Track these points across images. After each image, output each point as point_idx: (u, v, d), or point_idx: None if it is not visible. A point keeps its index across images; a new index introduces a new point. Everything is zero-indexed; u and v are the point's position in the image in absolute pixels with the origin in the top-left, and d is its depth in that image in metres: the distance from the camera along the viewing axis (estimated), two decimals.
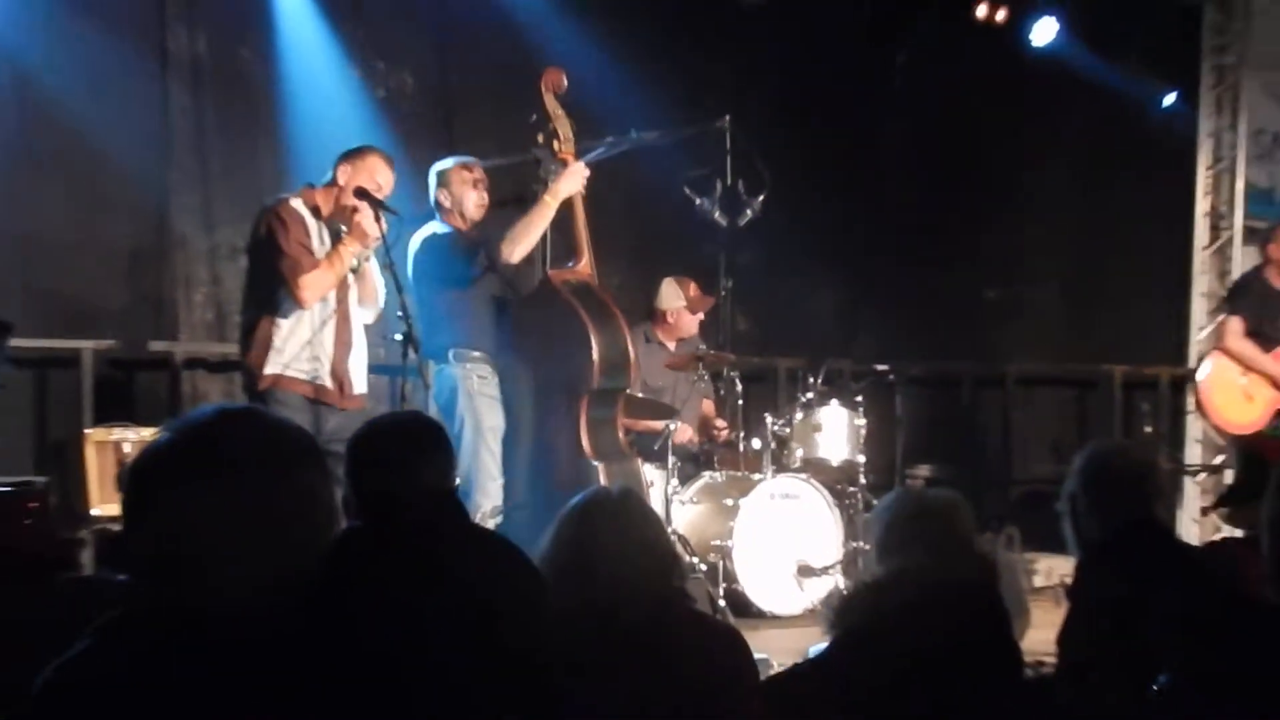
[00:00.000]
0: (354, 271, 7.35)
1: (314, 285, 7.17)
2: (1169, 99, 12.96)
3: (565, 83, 8.24)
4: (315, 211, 7.34)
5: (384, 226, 7.20)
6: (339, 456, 6.83)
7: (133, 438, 8.36)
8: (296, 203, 7.31)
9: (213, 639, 2.15)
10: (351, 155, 7.42)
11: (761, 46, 11.33)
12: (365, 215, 7.20)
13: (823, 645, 4.09)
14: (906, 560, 4.11)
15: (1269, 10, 13.17)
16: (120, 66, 9.33)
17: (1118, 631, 4.18)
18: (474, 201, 8.16)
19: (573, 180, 8.05)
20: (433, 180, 8.21)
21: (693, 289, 9.95)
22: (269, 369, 7.16)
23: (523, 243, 7.86)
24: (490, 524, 7.54)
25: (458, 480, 6.96)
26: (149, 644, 2.16)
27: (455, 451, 6.28)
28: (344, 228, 7.30)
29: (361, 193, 7.22)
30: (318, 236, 7.30)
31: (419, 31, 10.43)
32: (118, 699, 2.11)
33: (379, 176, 7.38)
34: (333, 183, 7.38)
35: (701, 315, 10.01)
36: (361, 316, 7.55)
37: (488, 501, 7.71)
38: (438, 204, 8.16)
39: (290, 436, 2.34)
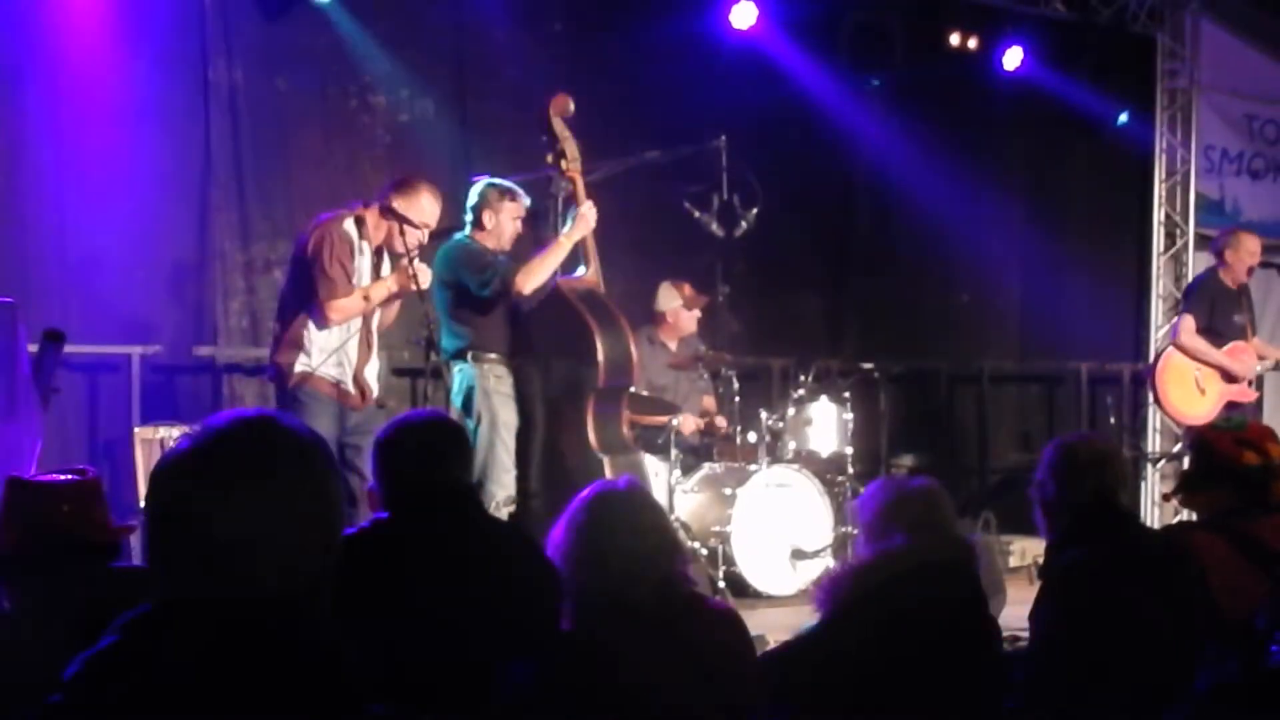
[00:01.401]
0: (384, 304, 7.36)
1: (344, 311, 7.15)
2: (1123, 117, 12.99)
3: (571, 107, 8.21)
4: (361, 228, 7.30)
5: (424, 282, 7.18)
6: (359, 449, 6.87)
7: (177, 435, 8.34)
8: (349, 224, 7.24)
9: (238, 632, 2.13)
10: (404, 188, 7.33)
11: (752, 72, 11.31)
12: (418, 268, 7.18)
13: (813, 623, 4.08)
14: (889, 543, 4.10)
15: (1216, 38, 13.25)
16: (166, 95, 9.33)
17: (1084, 607, 4.17)
18: (511, 232, 8.11)
19: (585, 225, 8.03)
20: (481, 196, 8.13)
21: (687, 289, 9.95)
22: (299, 368, 7.14)
23: (536, 277, 7.83)
24: (504, 513, 7.53)
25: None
26: (175, 637, 2.13)
27: (473, 447, 6.30)
28: (388, 251, 7.27)
29: (401, 218, 7.17)
30: (360, 259, 7.27)
31: (440, 61, 10.42)
32: (143, 692, 2.08)
33: (427, 215, 7.34)
34: (385, 209, 7.30)
35: (698, 312, 10.01)
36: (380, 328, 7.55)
37: (501, 492, 7.69)
38: (477, 219, 8.10)
39: (305, 439, 2.32)
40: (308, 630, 2.19)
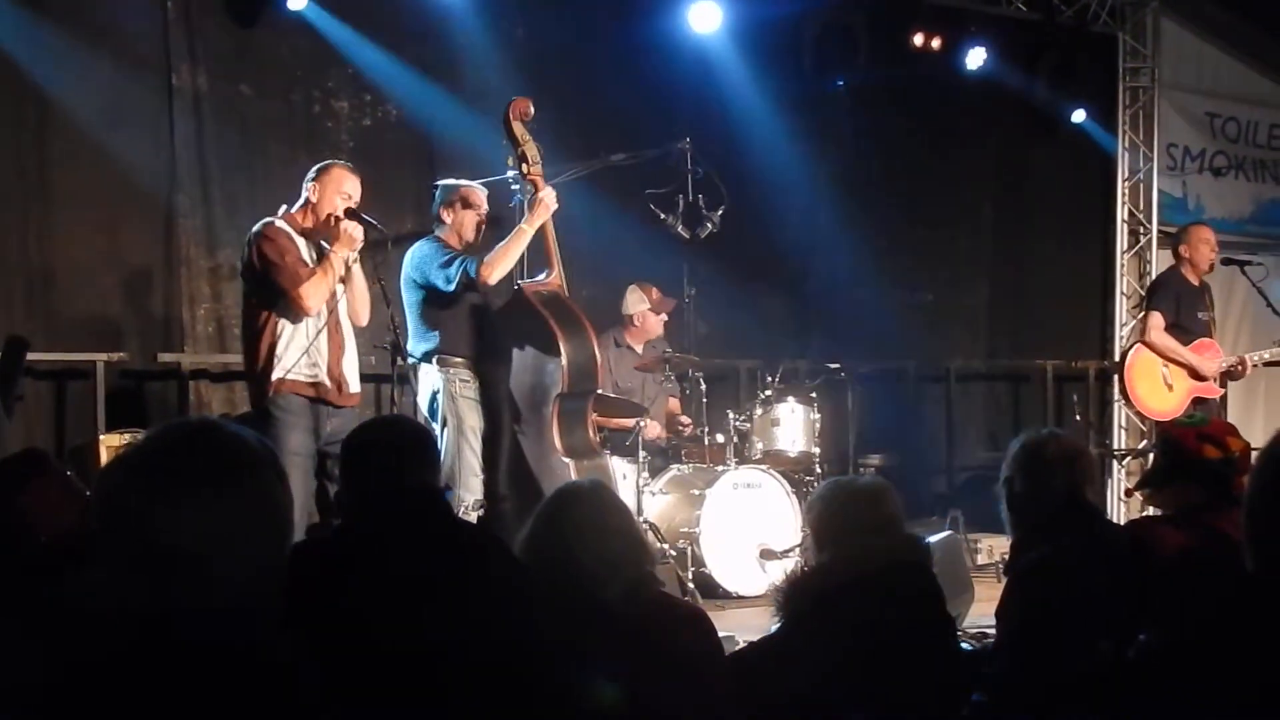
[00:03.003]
0: (342, 282, 7.29)
1: (314, 292, 7.10)
2: (1078, 115, 13.04)
3: (532, 110, 8.21)
4: (298, 231, 7.29)
5: (371, 224, 7.17)
6: (337, 458, 6.84)
7: None
8: (281, 224, 7.25)
9: (185, 637, 2.12)
10: (319, 173, 7.34)
11: (717, 74, 11.32)
12: (348, 222, 7.15)
13: (778, 625, 4.09)
14: (844, 545, 4.11)
15: (1178, 37, 13.33)
16: (130, 101, 9.34)
17: (1050, 603, 4.18)
18: (475, 232, 8.11)
19: (545, 209, 8.02)
20: (444, 198, 8.14)
21: (654, 293, 9.96)
22: (275, 375, 7.10)
23: (500, 266, 7.83)
24: (473, 516, 7.53)
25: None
26: (124, 643, 2.12)
27: (440, 451, 6.28)
28: (325, 241, 7.24)
29: (353, 214, 7.18)
30: (306, 252, 7.25)
31: (403, 65, 10.41)
32: (94, 697, 2.08)
33: (346, 186, 7.32)
34: (306, 202, 7.32)
35: (665, 316, 10.02)
36: (351, 323, 7.50)
37: (470, 496, 7.68)
38: (439, 218, 8.11)
39: (249, 446, 2.30)
40: (254, 641, 2.18)
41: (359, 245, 7.19)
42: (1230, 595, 2.40)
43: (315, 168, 7.41)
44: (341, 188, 7.29)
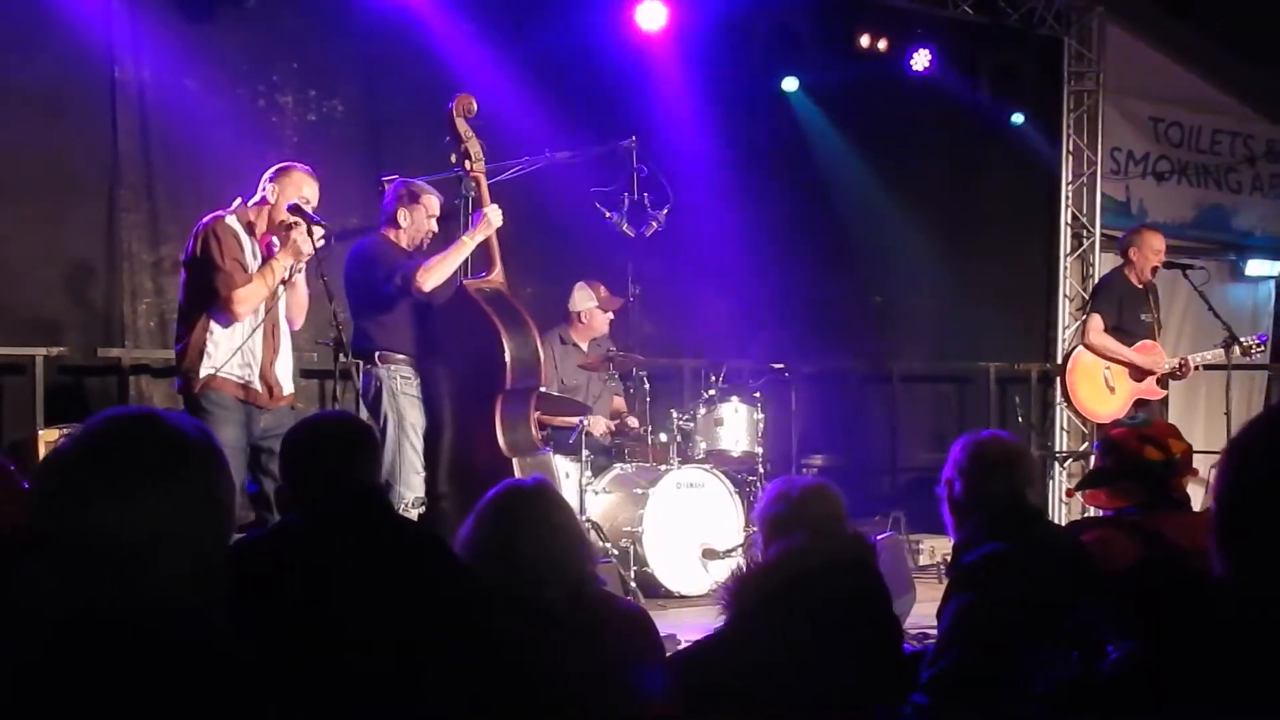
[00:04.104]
0: (284, 283, 7.26)
1: (247, 299, 7.07)
2: (1017, 118, 13.12)
3: (475, 107, 8.19)
4: (249, 228, 7.25)
5: (316, 242, 7.12)
6: (272, 453, 6.80)
7: None
8: (231, 220, 7.19)
9: (128, 631, 2.10)
10: (278, 173, 7.32)
11: (663, 72, 11.34)
12: (299, 231, 7.11)
13: (721, 623, 4.09)
14: (788, 543, 4.11)
15: (1122, 42, 13.43)
16: (73, 94, 9.26)
17: (991, 604, 4.19)
18: (426, 231, 8.09)
19: (488, 226, 8.01)
20: (396, 196, 8.09)
21: (602, 290, 9.96)
22: (203, 372, 7.06)
23: (437, 274, 7.78)
24: (413, 514, 7.51)
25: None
26: (66, 641, 2.10)
27: (381, 447, 6.25)
28: (276, 242, 7.22)
29: (295, 209, 7.15)
30: (251, 252, 7.21)
31: (348, 61, 10.38)
32: (36, 695, 2.05)
33: (305, 191, 7.29)
34: (262, 200, 7.29)
35: (612, 314, 10.02)
36: (289, 325, 7.47)
37: (410, 493, 7.66)
38: (392, 218, 8.06)
39: (189, 437, 2.28)
40: (202, 635, 2.16)
41: (305, 259, 7.16)
42: (1199, 606, 2.36)
43: (276, 168, 7.38)
44: (300, 192, 7.27)
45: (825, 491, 4.36)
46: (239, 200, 7.34)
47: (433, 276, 7.78)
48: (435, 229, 8.14)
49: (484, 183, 8.15)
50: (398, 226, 8.02)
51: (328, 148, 10.05)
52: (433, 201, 8.11)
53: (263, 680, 2.22)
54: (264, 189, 7.29)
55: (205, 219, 7.23)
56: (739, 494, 9.52)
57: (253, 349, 7.15)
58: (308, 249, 7.11)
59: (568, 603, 3.84)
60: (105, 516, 2.12)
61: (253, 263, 7.18)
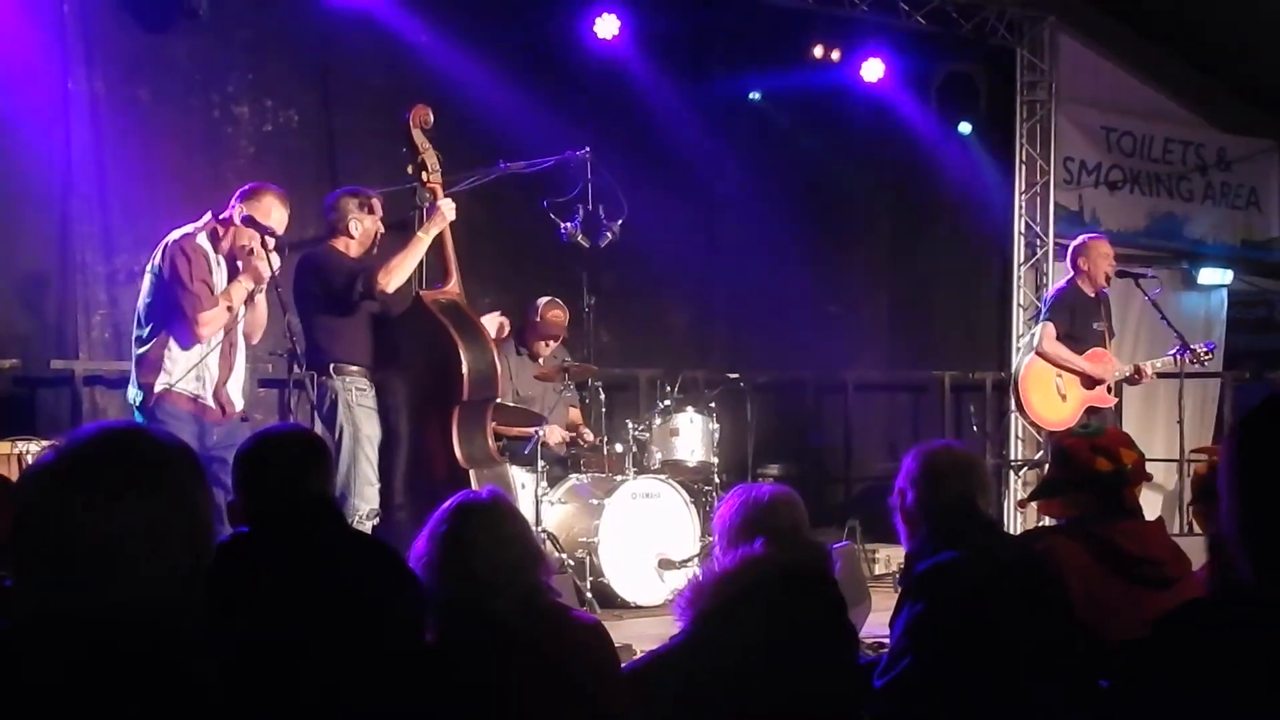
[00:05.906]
0: (245, 304, 7.28)
1: (212, 322, 7.14)
2: (965, 127, 13.19)
3: (431, 118, 8.20)
4: (216, 244, 7.26)
5: (275, 266, 7.13)
6: (225, 463, 6.79)
7: (36, 450, 8.19)
8: (201, 238, 7.22)
9: (103, 641, 2.10)
10: (248, 195, 7.34)
11: (619, 83, 11.37)
12: (260, 257, 7.13)
13: (677, 632, 4.10)
14: (747, 550, 4.12)
15: (1075, 52, 13.51)
16: (25, 105, 9.20)
17: (944, 613, 4.21)
18: (373, 239, 8.09)
19: (441, 219, 8.01)
20: (341, 206, 8.08)
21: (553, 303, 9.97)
22: (158, 385, 7.08)
23: (397, 275, 7.81)
24: (367, 526, 7.50)
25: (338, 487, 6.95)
26: (40, 649, 2.10)
27: (335, 460, 6.25)
28: (239, 264, 7.24)
29: (249, 220, 7.16)
30: (218, 271, 7.23)
31: (305, 71, 10.36)
32: (16, 706, 2.06)
33: (274, 215, 7.31)
34: (230, 220, 7.29)
35: (562, 314, 9.99)
36: (247, 340, 7.48)
37: (365, 505, 7.65)
38: (338, 228, 8.05)
39: (173, 450, 2.30)
40: (178, 646, 2.17)
41: (265, 281, 7.17)
42: (1230, 615, 2.27)
43: (250, 188, 7.42)
44: (270, 216, 7.28)
45: (790, 498, 4.38)
46: (208, 214, 7.33)
47: (394, 277, 7.80)
48: (379, 237, 8.14)
49: (440, 194, 8.14)
50: (349, 236, 8.01)
51: (284, 158, 10.05)
52: (376, 212, 8.11)
53: (217, 696, 2.23)
54: (234, 207, 7.29)
55: (175, 235, 7.23)
56: (694, 504, 9.53)
57: (209, 366, 7.18)
58: (267, 273, 7.13)
59: (521, 614, 3.84)
60: (90, 525, 2.14)
61: (219, 283, 7.20)
